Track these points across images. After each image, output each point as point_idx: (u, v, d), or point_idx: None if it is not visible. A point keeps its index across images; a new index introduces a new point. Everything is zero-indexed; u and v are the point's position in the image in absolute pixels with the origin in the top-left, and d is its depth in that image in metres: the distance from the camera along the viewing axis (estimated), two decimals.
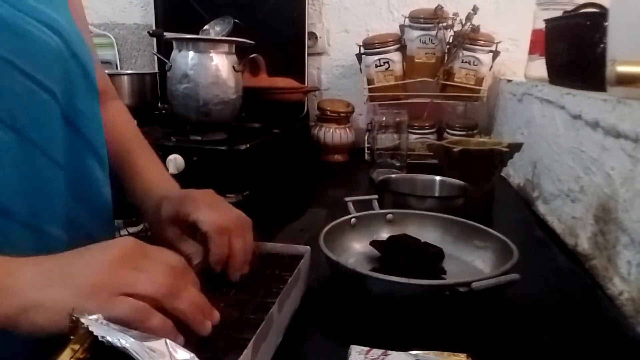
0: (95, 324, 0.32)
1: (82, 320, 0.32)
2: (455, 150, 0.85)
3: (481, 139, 0.99)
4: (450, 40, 1.30)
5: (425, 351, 0.41)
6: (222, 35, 1.34)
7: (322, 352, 0.46)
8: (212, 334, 0.42)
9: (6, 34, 0.42)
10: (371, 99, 1.36)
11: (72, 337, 0.32)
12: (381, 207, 0.76)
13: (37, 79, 0.45)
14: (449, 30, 1.28)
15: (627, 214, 0.56)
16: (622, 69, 0.54)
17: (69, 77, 0.50)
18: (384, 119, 1.13)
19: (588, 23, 0.77)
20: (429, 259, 0.62)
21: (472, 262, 0.64)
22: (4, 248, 0.38)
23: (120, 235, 0.90)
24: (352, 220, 0.69)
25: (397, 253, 0.62)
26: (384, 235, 0.69)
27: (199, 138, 1.06)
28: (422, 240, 0.65)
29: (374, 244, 0.65)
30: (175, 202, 0.55)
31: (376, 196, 0.78)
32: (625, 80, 0.54)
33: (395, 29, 1.38)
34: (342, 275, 0.56)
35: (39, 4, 0.47)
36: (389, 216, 0.71)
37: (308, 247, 0.58)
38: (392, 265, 0.61)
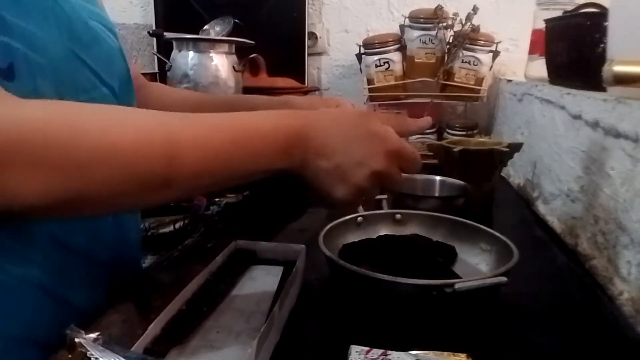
0: (92, 345, 0.32)
1: (78, 340, 0.32)
2: (455, 150, 0.85)
3: (481, 139, 0.99)
4: (450, 40, 1.30)
5: (425, 351, 0.41)
6: (222, 35, 1.34)
7: (322, 352, 0.46)
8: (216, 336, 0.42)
9: (82, 36, 0.48)
10: (371, 99, 1.36)
11: (70, 356, 0.32)
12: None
13: (100, 76, 0.50)
14: (449, 30, 1.28)
15: (627, 214, 0.56)
16: (619, 68, 0.53)
17: (122, 72, 0.56)
18: None
19: (588, 23, 0.77)
20: (442, 257, 0.63)
21: (476, 265, 0.63)
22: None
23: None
24: (359, 219, 0.69)
25: (407, 252, 0.62)
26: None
27: None
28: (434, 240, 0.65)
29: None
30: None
31: (386, 196, 0.77)
32: (622, 80, 0.54)
33: (395, 29, 1.38)
34: (337, 273, 0.57)
35: (95, 7, 0.54)
36: (398, 216, 0.71)
37: (303, 245, 0.59)
38: (396, 263, 0.60)
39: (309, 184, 0.45)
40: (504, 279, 0.50)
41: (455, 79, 1.31)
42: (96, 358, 0.32)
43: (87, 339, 0.33)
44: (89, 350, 0.32)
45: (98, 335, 0.33)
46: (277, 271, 0.58)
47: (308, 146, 0.43)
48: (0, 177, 0.32)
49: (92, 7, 0.53)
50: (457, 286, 0.47)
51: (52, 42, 0.44)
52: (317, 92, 1.54)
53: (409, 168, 0.48)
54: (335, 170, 0.43)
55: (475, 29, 1.25)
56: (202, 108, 0.68)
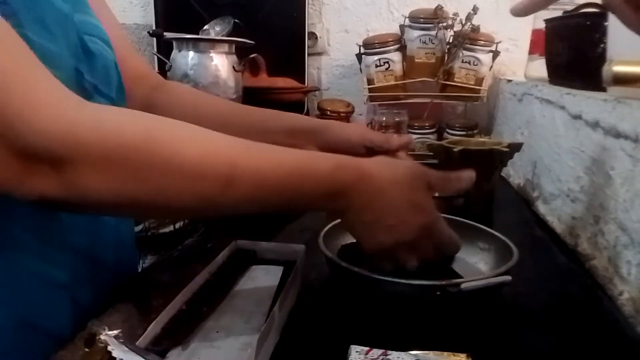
0: (116, 343, 0.32)
1: (102, 337, 0.32)
2: (455, 150, 0.85)
3: (481, 139, 0.99)
4: (450, 40, 1.30)
5: (425, 351, 0.41)
6: (222, 35, 1.34)
7: (322, 352, 0.46)
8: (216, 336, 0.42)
9: (83, 52, 0.50)
10: (371, 99, 1.36)
11: (87, 350, 0.32)
12: None
13: (98, 87, 0.52)
14: (449, 30, 1.28)
15: (627, 214, 0.56)
16: (619, 68, 0.53)
17: (117, 82, 0.57)
18: (384, 119, 1.13)
19: (588, 23, 0.77)
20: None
21: (475, 264, 0.63)
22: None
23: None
24: None
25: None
26: None
27: None
28: None
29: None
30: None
31: None
32: (622, 80, 0.54)
33: (395, 29, 1.38)
34: (337, 273, 0.56)
35: (92, 18, 0.54)
36: None
37: (303, 245, 0.59)
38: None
39: (344, 226, 0.51)
40: (508, 278, 0.50)
41: (455, 79, 1.31)
42: (121, 359, 0.31)
43: (110, 335, 0.32)
44: (114, 349, 0.31)
45: (119, 332, 0.33)
46: (277, 271, 0.58)
47: (354, 199, 0.45)
48: (78, 172, 0.34)
49: (91, 19, 0.54)
50: (463, 286, 0.47)
51: (63, 58, 0.46)
52: (317, 92, 1.55)
53: (443, 246, 0.50)
54: (371, 225, 0.47)
55: (475, 29, 1.25)
56: (235, 121, 0.66)
